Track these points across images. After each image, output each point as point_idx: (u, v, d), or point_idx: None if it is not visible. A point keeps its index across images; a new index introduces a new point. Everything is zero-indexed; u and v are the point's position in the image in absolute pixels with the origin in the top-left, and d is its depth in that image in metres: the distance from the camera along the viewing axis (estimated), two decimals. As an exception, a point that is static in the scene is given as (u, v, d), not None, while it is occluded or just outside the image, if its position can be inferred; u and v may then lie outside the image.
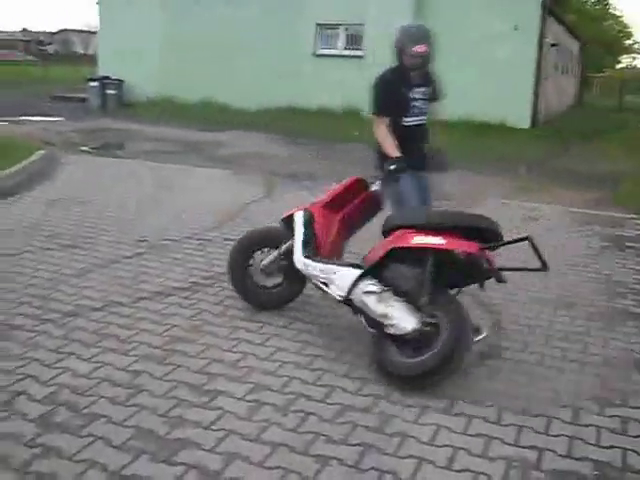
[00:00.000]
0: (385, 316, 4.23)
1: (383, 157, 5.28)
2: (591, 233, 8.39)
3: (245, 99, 20.81)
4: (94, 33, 38.36)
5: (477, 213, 4.63)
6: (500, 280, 4.16)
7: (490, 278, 4.22)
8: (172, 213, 8.17)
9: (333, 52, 21.61)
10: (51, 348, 4.46)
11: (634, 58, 79.52)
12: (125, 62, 22.62)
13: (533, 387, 4.28)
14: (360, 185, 5.19)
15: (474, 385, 4.28)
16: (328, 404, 3.95)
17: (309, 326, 5.03)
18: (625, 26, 71.83)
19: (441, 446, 3.58)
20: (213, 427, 3.63)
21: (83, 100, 22.51)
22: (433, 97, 5.61)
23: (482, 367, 4.53)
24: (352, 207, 5.15)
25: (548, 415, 3.92)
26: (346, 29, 21.35)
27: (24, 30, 60.61)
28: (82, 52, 55.44)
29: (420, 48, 5.29)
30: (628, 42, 75.79)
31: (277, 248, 5.19)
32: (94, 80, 21.93)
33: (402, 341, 4.20)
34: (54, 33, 62.86)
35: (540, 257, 4.00)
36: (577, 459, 3.50)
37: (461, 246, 4.10)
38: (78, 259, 6.32)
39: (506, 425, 3.81)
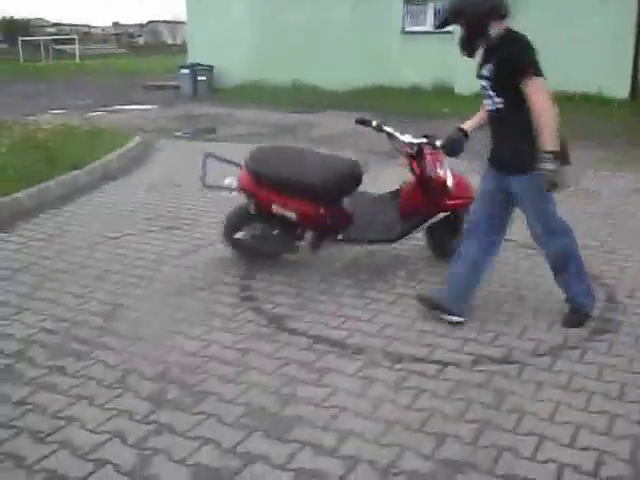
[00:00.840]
0: None
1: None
2: None
3: (334, 80, 20.64)
4: (182, 23, 39.01)
5: None
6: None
7: None
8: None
9: (422, 29, 21.19)
10: (158, 327, 4.46)
11: None
12: (214, 48, 22.74)
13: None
14: None
15: (593, 359, 4.06)
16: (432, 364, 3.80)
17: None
18: None
19: (562, 423, 3.39)
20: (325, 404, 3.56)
21: (175, 88, 22.78)
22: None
23: (599, 342, 4.29)
24: None
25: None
26: (434, 5, 20.86)
27: (115, 24, 62.02)
28: (171, 42, 56.28)
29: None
30: None
31: None
32: (185, 67, 22.13)
33: None
34: (143, 25, 64.18)
35: None
36: None
37: None
38: (179, 240, 6.32)
39: (629, 402, 3.59)
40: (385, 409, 3.53)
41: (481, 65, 4.35)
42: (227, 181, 5.42)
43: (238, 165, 5.56)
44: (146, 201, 7.83)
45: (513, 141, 4.26)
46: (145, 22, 64.15)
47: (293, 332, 4.44)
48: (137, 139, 11.09)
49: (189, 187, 8.15)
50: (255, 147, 5.65)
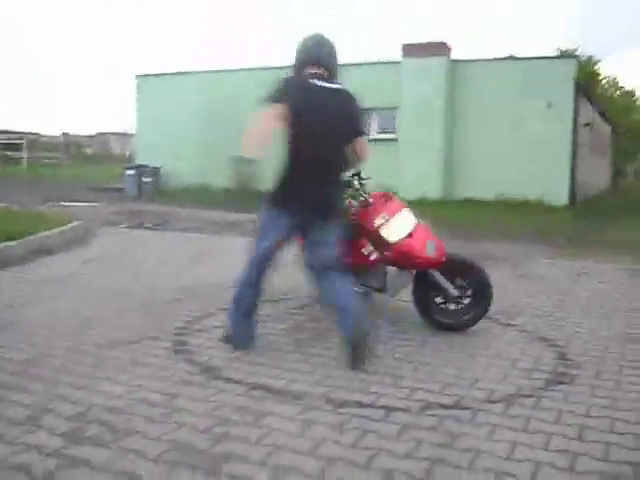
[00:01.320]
0: None
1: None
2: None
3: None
4: (131, 135, 39.23)
5: None
6: None
7: None
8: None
9: (367, 137, 21.55)
10: (82, 373, 4.09)
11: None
12: (161, 151, 22.85)
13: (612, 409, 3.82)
14: None
15: (549, 406, 3.82)
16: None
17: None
18: (654, 117, 72.35)
19: (521, 460, 3.11)
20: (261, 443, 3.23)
21: (120, 190, 22.61)
22: None
23: (554, 392, 4.07)
24: None
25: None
26: (379, 114, 21.31)
27: (64, 134, 62.20)
28: (119, 153, 56.57)
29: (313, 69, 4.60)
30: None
31: None
32: (131, 168, 22.07)
33: None
34: (92, 136, 64.50)
35: None
36: None
37: None
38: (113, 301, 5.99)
39: (590, 442, 3.33)
40: (327, 447, 3.20)
41: None
42: None
43: None
44: (82, 271, 7.46)
45: None
46: (94, 133, 64.49)
47: (228, 380, 4.10)
48: (78, 222, 10.76)
49: (127, 262, 7.81)
50: None
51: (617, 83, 59.88)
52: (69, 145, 54.43)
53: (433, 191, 19.60)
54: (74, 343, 4.76)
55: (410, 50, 20.23)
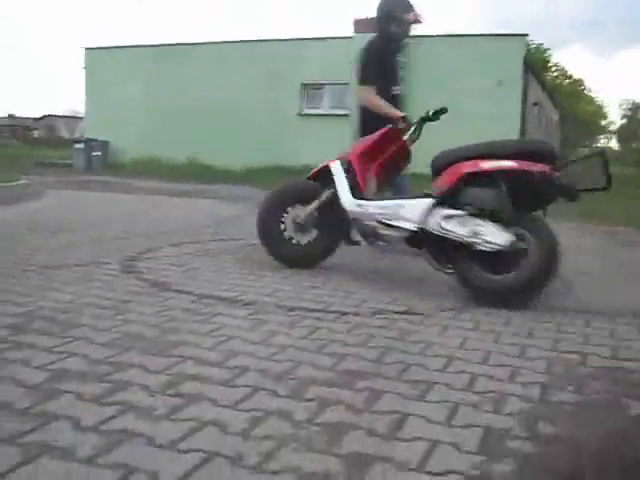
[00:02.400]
0: (476, 234, 4.08)
1: (371, 123, 5.25)
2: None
3: (230, 159, 20.61)
4: (79, 118, 38.43)
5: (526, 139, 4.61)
6: (574, 196, 4.11)
7: (562, 196, 4.16)
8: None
9: (318, 112, 21.56)
10: (29, 284, 4.00)
11: (609, 139, 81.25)
12: (110, 126, 22.51)
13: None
14: (395, 134, 5.05)
15: (499, 313, 3.86)
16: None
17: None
18: (600, 107, 73.88)
19: (472, 350, 3.14)
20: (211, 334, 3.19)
21: (69, 165, 22.22)
22: (405, 63, 5.59)
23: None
24: (389, 154, 5.03)
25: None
26: (330, 89, 21.31)
27: (10, 116, 61.00)
28: (67, 137, 55.58)
29: (413, 16, 5.43)
30: (603, 122, 77.78)
31: (308, 203, 4.93)
32: (79, 142, 21.70)
33: (488, 259, 4.08)
34: (39, 119, 63.23)
35: (607, 174, 3.96)
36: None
37: (533, 167, 4.01)
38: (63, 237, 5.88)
39: (538, 338, 3.37)
40: (278, 338, 3.18)
41: None
42: None
43: None
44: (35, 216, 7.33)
45: None
46: (41, 116, 63.23)
47: (179, 292, 4.05)
48: (27, 181, 10.56)
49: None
50: None
51: (566, 72, 60.94)
52: (15, 128, 53.41)
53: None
54: (23, 266, 4.64)
55: (362, 25, 20.18)
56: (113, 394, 2.35)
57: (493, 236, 4.04)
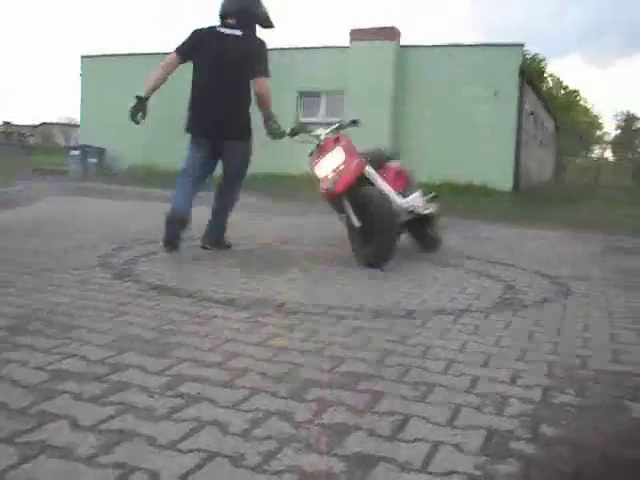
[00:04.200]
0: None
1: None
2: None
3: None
4: (76, 126, 38.36)
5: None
6: None
7: None
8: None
9: (314, 119, 21.55)
10: (28, 286, 3.97)
11: (604, 149, 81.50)
12: (107, 133, 22.47)
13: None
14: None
15: (499, 318, 3.84)
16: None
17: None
18: (595, 118, 74.17)
19: (473, 352, 3.11)
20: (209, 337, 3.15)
21: (65, 172, 22.13)
22: None
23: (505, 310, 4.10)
24: None
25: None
26: (327, 97, 21.33)
27: (5, 123, 60.90)
28: (63, 144, 55.47)
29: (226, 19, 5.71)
30: (598, 133, 78.07)
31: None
32: (75, 148, 21.65)
33: None
34: (35, 126, 63.22)
35: None
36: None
37: None
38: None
39: (540, 342, 3.35)
40: (277, 341, 3.16)
41: None
42: None
43: None
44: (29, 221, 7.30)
45: None
46: (37, 123, 63.21)
47: (176, 294, 4.03)
48: (23, 187, 10.53)
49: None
50: None
51: (561, 83, 61.16)
52: (11, 135, 53.24)
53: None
54: (20, 268, 4.61)
55: (358, 35, 20.24)
56: (112, 394, 2.32)
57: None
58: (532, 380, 2.74)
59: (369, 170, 5.41)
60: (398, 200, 5.65)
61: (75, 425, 2.05)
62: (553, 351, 3.22)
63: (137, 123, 5.48)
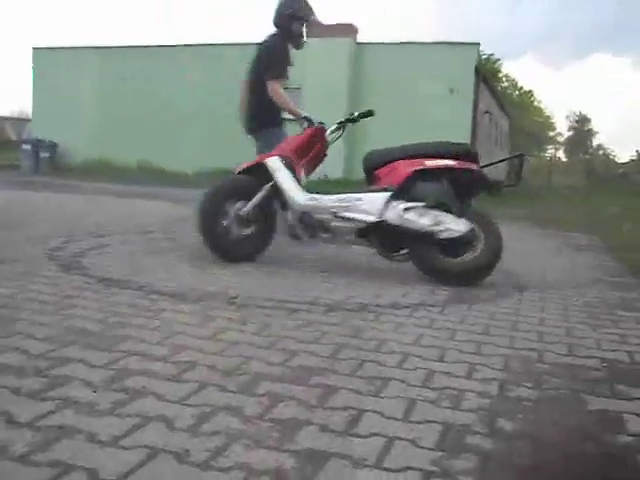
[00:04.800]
0: (437, 224, 4.53)
1: (264, 117, 5.70)
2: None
3: (183, 162, 20.39)
4: (28, 120, 37.62)
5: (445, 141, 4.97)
6: (499, 189, 5.15)
7: (487, 189, 4.92)
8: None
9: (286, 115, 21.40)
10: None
11: (557, 149, 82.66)
12: (59, 127, 22.09)
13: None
14: (321, 133, 5.26)
15: (453, 311, 3.79)
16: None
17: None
18: (548, 117, 75.24)
19: (428, 346, 3.06)
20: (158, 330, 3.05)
21: (16, 167, 21.69)
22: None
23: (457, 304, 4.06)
24: (314, 153, 5.22)
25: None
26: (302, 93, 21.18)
27: (-46, 117, 59.54)
28: (15, 139, 54.43)
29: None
30: (551, 134, 79.21)
31: (248, 198, 5.00)
32: (27, 143, 21.22)
33: (445, 245, 4.60)
34: (-14, 120, 61.81)
35: (518, 174, 4.89)
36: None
37: (471, 165, 4.65)
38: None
39: (494, 335, 3.31)
40: (228, 334, 3.06)
41: None
42: None
43: None
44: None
45: None
46: (-12, 117, 61.79)
47: (124, 287, 3.91)
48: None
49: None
50: None
51: (516, 83, 61.87)
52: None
53: (335, 171, 19.54)
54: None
55: (314, 31, 20.12)
56: (52, 389, 2.21)
57: (455, 224, 4.52)
58: (488, 374, 2.68)
59: (271, 164, 4.99)
60: (301, 197, 4.88)
61: (11, 422, 1.93)
62: (509, 345, 3.17)
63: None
